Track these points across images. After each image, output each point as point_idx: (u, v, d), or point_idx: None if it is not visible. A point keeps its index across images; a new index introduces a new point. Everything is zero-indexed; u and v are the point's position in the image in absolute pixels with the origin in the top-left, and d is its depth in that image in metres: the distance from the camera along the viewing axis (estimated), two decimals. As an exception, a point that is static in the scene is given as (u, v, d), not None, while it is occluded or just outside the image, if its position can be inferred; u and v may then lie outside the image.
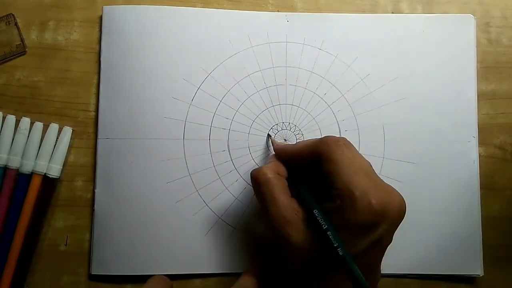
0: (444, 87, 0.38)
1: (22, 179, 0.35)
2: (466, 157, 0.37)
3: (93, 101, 0.37)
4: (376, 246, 0.27)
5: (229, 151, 0.36)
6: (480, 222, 0.36)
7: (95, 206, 0.35)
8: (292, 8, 0.38)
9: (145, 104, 0.36)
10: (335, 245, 0.26)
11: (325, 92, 0.37)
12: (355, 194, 0.26)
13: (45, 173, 0.35)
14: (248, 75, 0.37)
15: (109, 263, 0.35)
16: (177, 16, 0.37)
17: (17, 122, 0.36)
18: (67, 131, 0.36)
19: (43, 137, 0.36)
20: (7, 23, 0.37)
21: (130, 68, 0.36)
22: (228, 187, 0.36)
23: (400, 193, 0.28)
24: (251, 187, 0.36)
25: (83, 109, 0.37)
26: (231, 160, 0.36)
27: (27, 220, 0.35)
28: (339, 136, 0.30)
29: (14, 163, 0.35)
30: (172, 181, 0.36)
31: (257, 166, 0.36)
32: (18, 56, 0.37)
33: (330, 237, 0.26)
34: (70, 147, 0.36)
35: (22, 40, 0.37)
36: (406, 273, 0.36)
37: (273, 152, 0.34)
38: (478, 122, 0.37)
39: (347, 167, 0.27)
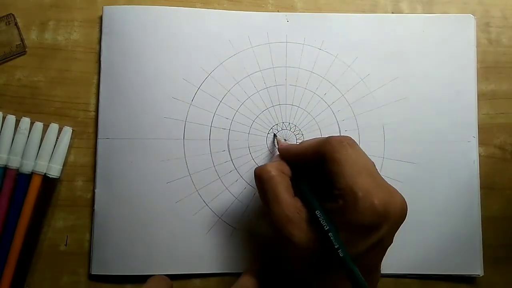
0: (444, 87, 0.38)
1: (22, 179, 0.35)
2: (466, 157, 0.37)
3: (93, 101, 0.37)
4: (377, 247, 0.27)
5: (229, 151, 0.36)
6: (480, 222, 0.36)
7: (95, 206, 0.35)
8: (292, 8, 0.38)
9: (145, 104, 0.36)
10: (336, 246, 0.26)
11: (325, 92, 0.37)
12: (357, 195, 0.26)
13: (45, 173, 0.35)
14: (248, 75, 0.37)
15: (109, 263, 0.35)
16: (177, 16, 0.37)
17: (17, 122, 0.36)
18: (67, 131, 0.36)
19: (43, 137, 0.36)
20: (7, 23, 0.37)
21: (130, 68, 0.36)
22: (228, 187, 0.36)
23: (402, 194, 0.28)
24: (251, 187, 0.36)
25: (83, 109, 0.37)
26: (231, 160, 0.36)
27: (27, 220, 0.35)
28: (343, 135, 0.30)
29: (14, 163, 0.35)
30: (172, 181, 0.36)
31: (257, 166, 0.36)
32: (18, 56, 0.37)
33: (331, 238, 0.26)
34: (70, 147, 0.36)
35: (22, 40, 0.37)
36: (406, 273, 0.36)
37: (278, 152, 0.34)
38: (478, 122, 0.37)
39: (350, 167, 0.27)
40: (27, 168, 0.35)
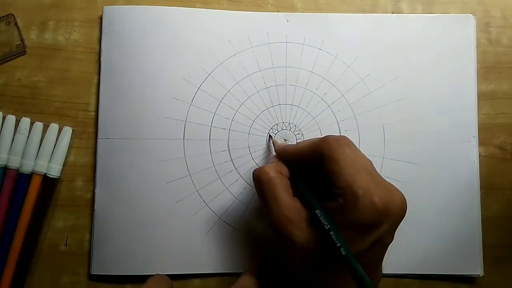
0: (444, 87, 0.38)
1: (22, 179, 0.35)
2: (466, 157, 0.37)
3: (93, 101, 0.37)
4: (378, 245, 0.27)
5: (229, 151, 0.36)
6: (480, 222, 0.36)
7: (95, 206, 0.35)
8: (292, 8, 0.38)
9: (145, 104, 0.36)
10: (337, 245, 0.26)
11: (325, 92, 0.37)
12: (357, 193, 0.26)
13: (45, 173, 0.35)
14: (248, 75, 0.37)
15: (109, 263, 0.35)
16: (177, 16, 0.37)
17: (17, 122, 0.36)
18: (67, 131, 0.36)
19: (43, 137, 0.36)
20: (7, 23, 0.37)
21: (130, 68, 0.36)
22: (228, 187, 0.36)
23: (401, 191, 0.28)
24: (251, 187, 0.36)
25: (83, 109, 0.37)
26: (231, 160, 0.36)
27: (27, 220, 0.35)
28: (340, 135, 0.30)
29: (14, 163, 0.35)
30: (172, 181, 0.36)
31: (257, 166, 0.36)
32: (18, 56, 0.37)
33: (333, 237, 0.26)
34: (70, 147, 0.36)
35: (22, 40, 0.37)
36: (406, 273, 0.36)
37: (274, 153, 0.34)
38: (478, 122, 0.37)
39: (349, 166, 0.27)
40: (27, 168, 0.35)
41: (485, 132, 0.38)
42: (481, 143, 0.38)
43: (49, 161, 0.35)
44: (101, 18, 0.37)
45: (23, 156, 0.35)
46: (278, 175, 0.30)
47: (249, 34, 0.37)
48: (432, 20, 0.38)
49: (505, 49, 0.39)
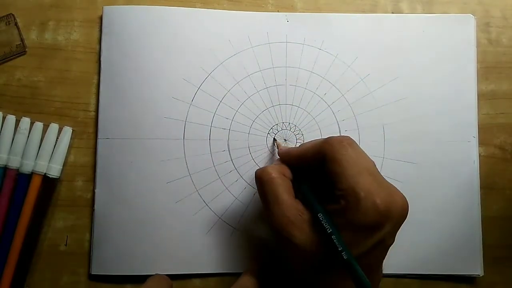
0: (444, 87, 0.38)
1: (22, 179, 0.35)
2: (466, 157, 0.37)
3: (93, 101, 0.37)
4: (379, 246, 0.27)
5: (229, 151, 0.36)
6: (480, 222, 0.36)
7: (95, 206, 0.35)
8: (292, 8, 0.38)
9: (145, 104, 0.36)
10: (339, 249, 0.26)
11: (325, 92, 0.37)
12: (359, 195, 0.26)
13: (45, 173, 0.35)
14: (248, 75, 0.37)
15: (109, 263, 0.35)
16: (177, 16, 0.37)
17: (17, 122, 0.36)
18: (67, 131, 0.36)
19: (43, 137, 0.36)
20: (7, 23, 0.37)
21: (130, 68, 0.36)
22: (228, 187, 0.36)
23: (402, 193, 0.28)
24: (251, 187, 0.36)
25: (83, 109, 0.37)
26: (231, 160, 0.36)
27: (27, 220, 0.35)
28: (343, 135, 0.30)
29: (14, 163, 0.35)
30: (172, 181, 0.36)
31: (257, 166, 0.36)
32: (18, 56, 0.37)
33: (335, 240, 0.26)
34: (70, 147, 0.36)
35: (22, 40, 0.37)
36: (406, 273, 0.36)
37: (278, 156, 0.34)
38: (478, 122, 0.37)
39: (351, 167, 0.27)
40: (27, 168, 0.35)
41: (485, 132, 0.38)
42: (481, 143, 0.38)
43: (49, 161, 0.35)
44: (101, 18, 0.37)
45: (23, 156, 0.35)
46: (280, 176, 0.30)
47: (249, 34, 0.37)
48: (432, 20, 0.38)
49: (505, 49, 0.39)
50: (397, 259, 0.36)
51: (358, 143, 0.36)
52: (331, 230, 0.27)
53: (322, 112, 0.37)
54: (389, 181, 0.28)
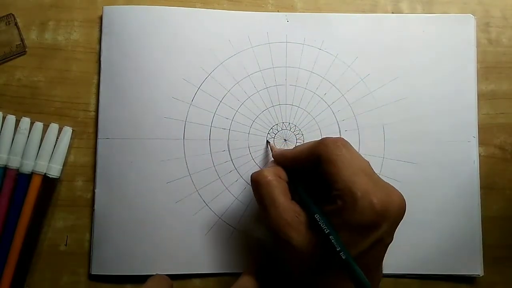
0: (444, 87, 0.38)
1: (22, 179, 0.35)
2: (466, 157, 0.37)
3: (93, 101, 0.37)
4: (378, 246, 0.27)
5: (229, 151, 0.36)
6: (480, 222, 0.36)
7: (95, 206, 0.35)
8: (292, 8, 0.38)
9: (145, 104, 0.36)
10: (337, 249, 0.26)
11: (325, 92, 0.37)
12: (356, 195, 0.26)
13: (45, 173, 0.35)
14: (248, 75, 0.37)
15: (109, 263, 0.35)
16: (177, 16, 0.37)
17: (17, 122, 0.36)
18: (67, 131, 0.36)
19: (43, 137, 0.36)
20: (7, 23, 0.37)
21: (130, 68, 0.36)
22: (228, 187, 0.36)
23: (399, 191, 0.28)
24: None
25: (83, 109, 0.37)
26: (231, 160, 0.36)
27: (27, 220, 0.35)
28: (337, 136, 0.30)
29: (14, 163, 0.35)
30: (172, 181, 0.36)
31: (257, 166, 0.36)
32: (18, 56, 0.37)
33: (333, 241, 0.26)
34: (70, 147, 0.36)
35: (22, 40, 0.37)
36: (406, 273, 0.36)
37: (272, 158, 0.34)
38: (478, 122, 0.37)
39: (347, 167, 0.27)
40: (27, 168, 0.35)
41: (485, 132, 0.38)
42: (481, 143, 0.38)
43: (49, 161, 0.35)
44: (101, 18, 0.37)
45: (23, 156, 0.35)
46: (276, 179, 0.30)
47: (249, 34, 0.37)
48: (432, 20, 0.38)
49: (505, 49, 0.39)
50: (397, 259, 0.36)
51: (358, 143, 0.37)
52: (328, 230, 0.27)
53: (322, 112, 0.37)
54: (389, 181, 0.28)
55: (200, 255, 0.35)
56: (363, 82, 0.37)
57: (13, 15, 0.37)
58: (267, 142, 0.36)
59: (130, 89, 0.36)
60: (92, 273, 0.35)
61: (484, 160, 0.38)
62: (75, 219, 0.36)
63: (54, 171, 0.35)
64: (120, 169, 0.36)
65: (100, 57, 0.37)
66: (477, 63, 0.38)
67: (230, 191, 0.36)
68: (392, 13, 0.39)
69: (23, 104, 0.36)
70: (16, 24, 0.37)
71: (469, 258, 0.36)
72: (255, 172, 0.31)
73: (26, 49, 0.37)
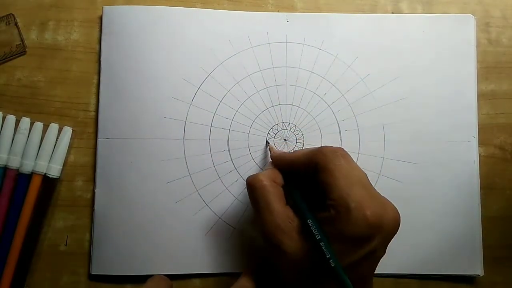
0: (444, 87, 0.38)
1: (22, 179, 0.35)
2: (466, 157, 0.37)
3: (93, 101, 0.37)
4: (369, 258, 0.27)
5: (229, 151, 0.36)
6: (480, 222, 0.36)
7: (95, 206, 0.35)
8: (292, 8, 0.38)
9: (145, 104, 0.36)
10: (327, 256, 0.26)
11: (325, 92, 0.37)
12: (350, 206, 0.26)
13: (45, 173, 0.35)
14: (248, 75, 0.37)
15: (109, 263, 0.35)
16: (177, 16, 0.37)
17: (17, 122, 0.36)
18: (67, 131, 0.36)
19: (43, 137, 0.36)
20: (7, 23, 0.37)
21: (130, 68, 0.36)
22: (228, 187, 0.36)
23: (395, 205, 0.28)
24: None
25: (83, 109, 0.37)
26: (231, 160, 0.36)
27: (27, 220, 0.35)
28: (336, 146, 0.30)
29: (14, 163, 0.35)
30: (172, 181, 0.36)
31: (257, 166, 0.36)
32: (18, 56, 0.37)
33: (323, 248, 0.26)
34: (70, 147, 0.36)
35: (22, 40, 0.37)
36: (406, 273, 0.36)
37: (270, 160, 0.34)
38: (478, 122, 0.37)
39: (344, 178, 0.27)
40: (27, 168, 0.35)
41: (485, 132, 0.38)
42: (481, 143, 0.38)
43: (49, 161, 0.35)
44: (101, 18, 0.37)
45: (23, 156, 0.35)
46: (271, 183, 0.30)
47: (249, 34, 0.37)
48: (432, 20, 0.38)
49: (505, 49, 0.39)
50: (397, 259, 0.36)
51: (358, 143, 0.37)
52: (320, 237, 0.27)
53: (322, 112, 0.37)
54: (389, 181, 0.29)
55: (200, 255, 0.35)
56: (363, 82, 0.37)
57: (13, 15, 0.37)
58: (267, 142, 0.36)
59: (130, 89, 0.36)
60: (92, 273, 0.35)
61: (484, 160, 0.38)
62: (75, 219, 0.36)
63: (54, 171, 0.35)
64: (120, 169, 0.36)
65: (100, 57, 0.37)
66: (477, 63, 0.38)
67: (230, 191, 0.36)
68: (392, 13, 0.39)
69: (23, 104, 0.36)
70: (16, 24, 0.37)
71: (469, 258, 0.36)
72: (250, 176, 0.31)
73: (26, 49, 0.37)
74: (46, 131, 0.36)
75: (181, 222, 0.35)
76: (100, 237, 0.35)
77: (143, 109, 0.36)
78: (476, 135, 0.37)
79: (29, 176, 0.35)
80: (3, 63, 0.37)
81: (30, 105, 0.37)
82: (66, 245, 0.36)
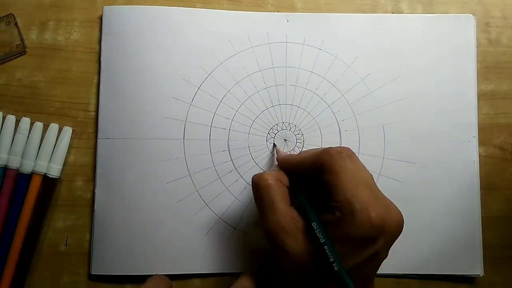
0: (444, 87, 0.38)
1: (22, 179, 0.35)
2: (466, 157, 0.37)
3: (93, 101, 0.37)
4: (372, 260, 0.27)
5: (229, 151, 0.36)
6: (480, 222, 0.36)
7: (95, 206, 0.35)
8: (292, 8, 0.38)
9: (145, 104, 0.36)
10: (331, 260, 0.26)
11: (325, 92, 0.37)
12: (355, 208, 0.26)
13: (45, 173, 0.35)
14: (248, 75, 0.37)
15: (109, 263, 0.35)
16: (177, 16, 0.37)
17: (17, 122, 0.36)
18: (67, 131, 0.36)
19: (43, 137, 0.36)
20: (7, 23, 0.37)
21: (130, 68, 0.36)
22: (228, 187, 0.36)
23: (399, 208, 0.28)
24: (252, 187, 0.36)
25: (83, 109, 0.37)
26: (231, 160, 0.36)
27: (27, 220, 0.35)
28: (342, 146, 0.30)
29: (14, 163, 0.35)
30: (172, 181, 0.36)
31: (257, 166, 0.36)
32: (18, 56, 0.37)
33: (327, 251, 0.26)
34: (70, 147, 0.36)
35: (22, 40, 0.37)
36: (406, 273, 0.36)
37: (277, 162, 0.34)
38: (478, 122, 0.37)
39: (349, 179, 0.27)
40: (27, 168, 0.35)
41: (485, 132, 0.38)
42: (481, 143, 0.38)
43: (49, 161, 0.35)
44: (101, 18, 0.37)
45: (23, 156, 0.35)
46: (277, 183, 0.30)
47: (249, 34, 0.37)
48: (432, 20, 0.38)
49: (505, 49, 0.39)
50: (397, 259, 0.36)
51: (358, 143, 0.37)
52: (324, 239, 0.27)
53: (322, 112, 0.37)
54: (389, 181, 0.29)
55: (200, 255, 0.35)
56: (363, 82, 0.37)
57: (13, 15, 0.37)
58: (274, 145, 0.36)
59: (130, 89, 0.36)
60: (92, 273, 0.35)
61: (484, 160, 0.38)
62: (75, 219, 0.36)
63: (54, 171, 0.35)
64: (120, 169, 0.36)
65: (100, 57, 0.37)
66: (477, 63, 0.38)
67: (230, 191, 0.36)
68: (392, 13, 0.39)
69: (23, 104, 0.36)
70: (16, 24, 0.37)
71: (469, 258, 0.36)
72: (256, 174, 0.31)
73: (26, 49, 0.37)
74: (46, 131, 0.36)
75: (181, 222, 0.35)
76: (100, 237, 0.35)
77: (143, 109, 0.36)
78: (476, 135, 0.37)
79: (29, 176, 0.35)
80: (3, 63, 0.37)
81: (30, 105, 0.37)
82: (66, 245, 0.36)
